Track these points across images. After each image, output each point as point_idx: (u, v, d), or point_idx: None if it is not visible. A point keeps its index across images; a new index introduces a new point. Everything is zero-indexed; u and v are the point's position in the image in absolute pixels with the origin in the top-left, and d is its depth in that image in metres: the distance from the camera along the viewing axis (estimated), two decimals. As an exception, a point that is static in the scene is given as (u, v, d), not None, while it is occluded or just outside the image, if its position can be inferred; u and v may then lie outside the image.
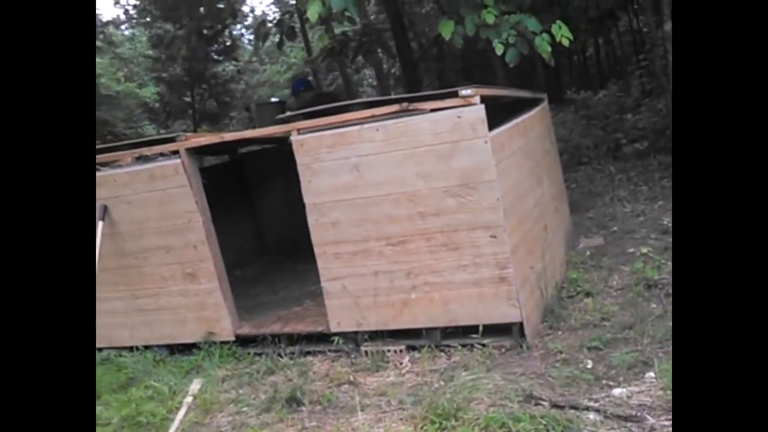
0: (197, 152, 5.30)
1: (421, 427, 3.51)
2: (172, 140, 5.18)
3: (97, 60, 18.96)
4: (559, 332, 4.56)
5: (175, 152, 5.12)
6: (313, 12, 5.74)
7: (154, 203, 5.21)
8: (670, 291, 4.86)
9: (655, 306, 4.69)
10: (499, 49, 6.20)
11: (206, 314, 5.25)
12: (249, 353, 5.12)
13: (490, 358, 4.32)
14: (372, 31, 9.49)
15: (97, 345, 5.72)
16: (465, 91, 4.28)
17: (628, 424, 3.21)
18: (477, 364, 4.23)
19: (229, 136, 5.20)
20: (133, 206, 5.28)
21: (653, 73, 12.63)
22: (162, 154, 5.18)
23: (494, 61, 9.92)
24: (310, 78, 14.57)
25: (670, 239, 6.33)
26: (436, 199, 4.41)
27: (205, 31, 19.64)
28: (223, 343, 5.24)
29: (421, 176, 4.42)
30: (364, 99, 5.08)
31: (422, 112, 4.38)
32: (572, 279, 5.29)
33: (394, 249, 4.58)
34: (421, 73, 12.23)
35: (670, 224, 6.87)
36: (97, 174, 5.33)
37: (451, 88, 4.40)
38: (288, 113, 5.57)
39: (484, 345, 4.43)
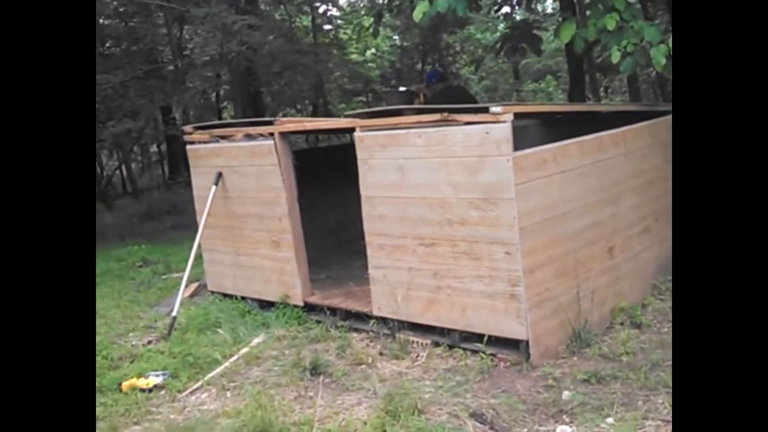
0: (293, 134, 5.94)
1: (377, 417, 3.83)
2: (270, 123, 5.88)
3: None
4: (575, 358, 4.47)
5: (272, 134, 5.82)
6: (418, 12, 5.96)
7: (254, 176, 6.00)
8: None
9: (687, 351, 4.36)
10: (615, 57, 5.91)
11: (284, 279, 5.97)
12: (312, 319, 5.74)
13: (490, 369, 4.43)
14: (518, 25, 9.28)
15: (210, 288, 6.79)
16: (495, 108, 4.33)
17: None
18: (475, 372, 4.39)
19: (309, 125, 5.75)
20: (240, 176, 6.13)
21: None
22: (261, 135, 5.91)
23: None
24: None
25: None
26: (462, 208, 4.56)
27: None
28: (295, 306, 5.92)
29: (451, 185, 4.59)
30: (416, 106, 5.25)
31: (458, 123, 4.52)
32: (622, 307, 5.02)
33: (425, 249, 4.82)
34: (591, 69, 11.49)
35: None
36: (216, 145, 6.26)
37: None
38: (397, 106, 5.89)
39: (493, 354, 4.54)
